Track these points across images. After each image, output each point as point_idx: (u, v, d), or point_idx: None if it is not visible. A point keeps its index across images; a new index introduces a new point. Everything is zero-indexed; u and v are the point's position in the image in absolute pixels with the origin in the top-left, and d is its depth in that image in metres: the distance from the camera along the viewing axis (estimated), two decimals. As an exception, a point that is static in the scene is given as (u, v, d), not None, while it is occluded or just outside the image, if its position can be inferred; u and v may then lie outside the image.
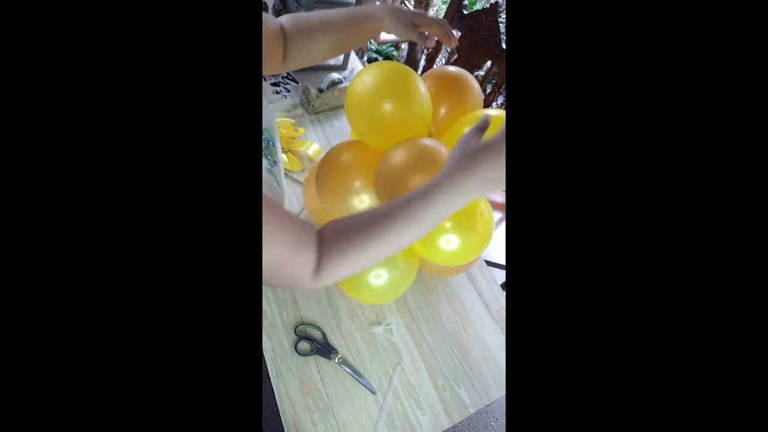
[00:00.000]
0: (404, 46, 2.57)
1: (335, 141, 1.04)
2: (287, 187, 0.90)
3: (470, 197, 0.39)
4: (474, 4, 1.63)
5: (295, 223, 0.38)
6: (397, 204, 0.40)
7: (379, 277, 0.63)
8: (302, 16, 0.55)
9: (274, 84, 1.09)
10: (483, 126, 0.41)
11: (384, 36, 2.37)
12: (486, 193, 0.43)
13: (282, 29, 0.55)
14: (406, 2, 2.44)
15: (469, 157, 0.38)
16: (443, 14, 1.21)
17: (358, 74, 0.60)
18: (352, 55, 1.22)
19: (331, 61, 1.19)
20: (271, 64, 0.55)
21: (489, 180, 0.38)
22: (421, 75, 0.68)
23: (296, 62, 0.57)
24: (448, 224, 0.58)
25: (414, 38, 0.61)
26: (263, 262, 0.30)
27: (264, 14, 0.52)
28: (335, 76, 1.06)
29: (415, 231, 0.40)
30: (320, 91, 1.04)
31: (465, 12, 1.17)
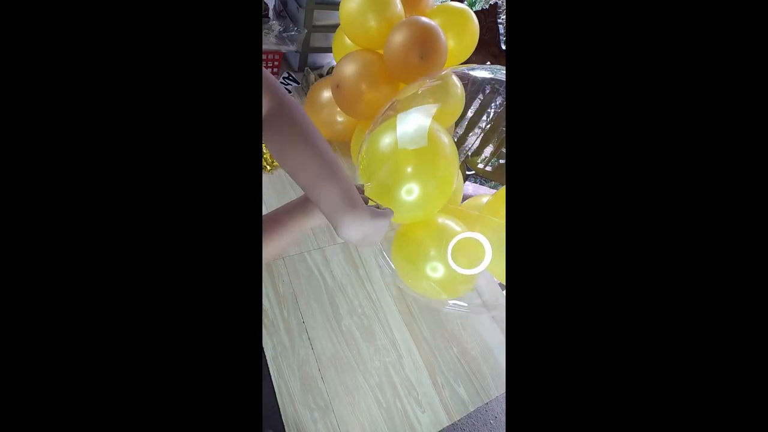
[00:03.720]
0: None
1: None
2: (288, 188, 0.90)
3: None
4: (474, 4, 1.63)
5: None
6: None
7: (435, 270, 0.62)
8: (282, 128, 0.43)
9: (275, 83, 1.09)
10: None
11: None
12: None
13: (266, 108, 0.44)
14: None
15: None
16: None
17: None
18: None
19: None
20: None
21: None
22: None
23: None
24: (409, 169, 0.55)
25: None
26: None
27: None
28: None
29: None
30: (320, 76, 1.04)
31: (465, 12, 1.17)
